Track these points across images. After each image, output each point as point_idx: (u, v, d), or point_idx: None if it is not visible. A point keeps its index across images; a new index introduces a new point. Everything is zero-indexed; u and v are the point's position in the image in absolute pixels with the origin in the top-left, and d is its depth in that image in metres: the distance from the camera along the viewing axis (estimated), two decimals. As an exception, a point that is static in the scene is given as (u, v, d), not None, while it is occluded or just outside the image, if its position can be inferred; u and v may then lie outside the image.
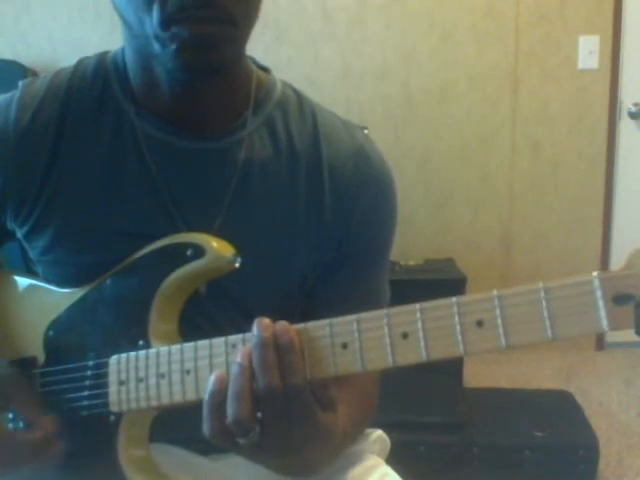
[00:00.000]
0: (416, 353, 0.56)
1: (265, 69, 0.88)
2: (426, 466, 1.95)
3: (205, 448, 0.86)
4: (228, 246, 0.71)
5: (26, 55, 3.00)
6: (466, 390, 2.38)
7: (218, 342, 0.65)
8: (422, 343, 0.56)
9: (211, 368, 0.65)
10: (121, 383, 0.72)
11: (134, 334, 0.73)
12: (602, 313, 0.50)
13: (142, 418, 0.73)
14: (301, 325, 0.61)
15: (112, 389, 0.73)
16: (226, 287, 0.79)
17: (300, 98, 0.87)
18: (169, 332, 0.73)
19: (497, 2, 2.94)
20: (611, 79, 2.98)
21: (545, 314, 0.52)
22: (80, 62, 0.85)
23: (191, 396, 0.66)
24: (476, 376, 2.57)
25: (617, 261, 3.05)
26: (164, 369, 0.69)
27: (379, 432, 0.96)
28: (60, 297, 0.81)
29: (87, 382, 0.75)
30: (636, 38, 2.96)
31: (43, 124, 0.80)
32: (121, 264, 0.77)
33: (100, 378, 0.74)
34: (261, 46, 2.88)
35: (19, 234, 0.84)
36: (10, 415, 0.76)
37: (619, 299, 0.49)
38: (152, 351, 0.70)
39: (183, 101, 0.79)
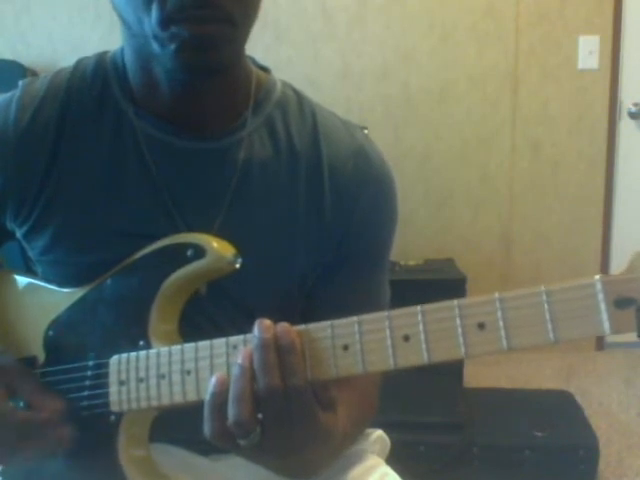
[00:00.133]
0: (417, 355, 0.56)
1: (265, 69, 0.88)
2: (426, 466, 1.95)
3: (205, 448, 0.86)
4: (229, 246, 0.71)
5: (26, 55, 3.00)
6: (466, 390, 2.38)
7: (219, 343, 0.65)
8: (423, 345, 0.56)
9: (212, 369, 0.65)
10: (121, 383, 0.72)
11: (134, 334, 0.73)
12: (604, 316, 0.50)
13: (142, 418, 0.73)
14: (302, 326, 0.61)
15: (112, 389, 0.73)
16: (226, 287, 0.79)
17: (300, 98, 0.87)
18: (169, 332, 0.73)
19: (497, 2, 2.94)
20: (611, 79, 2.98)
21: (547, 317, 0.52)
22: (79, 62, 0.85)
23: (192, 397, 0.66)
24: (476, 376, 2.57)
25: (617, 261, 3.05)
26: (164, 369, 0.69)
27: (379, 432, 0.96)
28: (60, 297, 0.81)
29: (87, 382, 0.75)
30: (636, 38, 2.96)
31: (43, 124, 0.80)
32: (121, 264, 0.77)
33: (100, 378, 0.74)
34: (261, 46, 2.88)
35: (19, 234, 0.84)
36: (12, 403, 0.76)
37: (621, 303, 0.49)
38: (152, 351, 0.70)
39: (183, 101, 0.79)
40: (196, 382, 0.66)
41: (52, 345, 0.80)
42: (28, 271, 0.89)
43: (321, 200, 0.82)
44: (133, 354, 0.72)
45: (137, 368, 0.71)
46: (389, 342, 0.57)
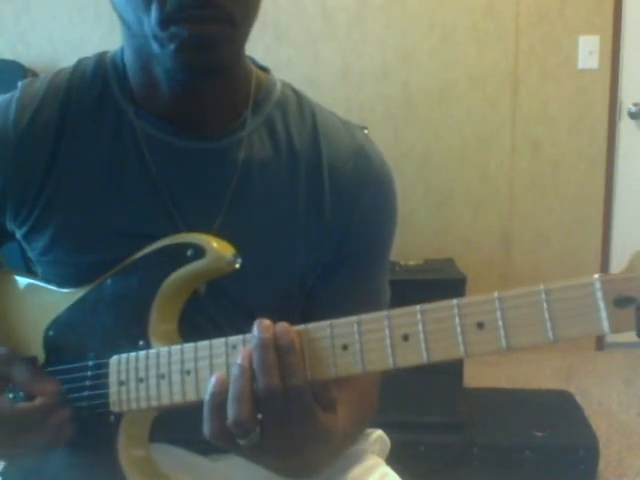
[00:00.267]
0: (417, 355, 0.56)
1: (265, 69, 0.88)
2: (426, 466, 1.95)
3: (205, 448, 0.86)
4: (228, 246, 0.71)
5: (26, 55, 3.00)
6: (466, 390, 2.38)
7: (218, 343, 0.65)
8: (423, 345, 0.56)
9: (211, 369, 0.65)
10: (121, 383, 0.72)
11: (134, 334, 0.73)
12: (603, 315, 0.50)
13: (142, 418, 0.73)
14: (302, 326, 0.61)
15: (112, 389, 0.73)
16: (226, 287, 0.79)
17: (300, 98, 0.87)
18: (169, 332, 0.73)
19: (497, 2, 2.94)
20: (611, 79, 2.98)
21: (546, 316, 0.52)
22: (79, 62, 0.85)
23: (191, 397, 0.66)
24: (476, 376, 2.57)
25: (617, 261, 3.05)
26: (164, 369, 0.69)
27: (379, 432, 0.96)
28: (60, 297, 0.81)
29: (87, 382, 0.75)
30: (636, 38, 2.96)
31: (43, 124, 0.80)
32: (121, 264, 0.77)
33: (100, 378, 0.74)
34: (261, 46, 2.88)
35: (19, 234, 0.84)
36: (10, 395, 0.76)
37: (620, 302, 0.49)
38: (152, 351, 0.70)
39: (182, 101, 0.79)
40: (196, 382, 0.66)
41: (52, 345, 0.80)
42: (28, 271, 0.89)
43: (321, 200, 0.82)
44: (133, 354, 0.72)
45: (137, 368, 0.71)
46: (388, 342, 0.57)
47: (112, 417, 0.73)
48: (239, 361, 0.60)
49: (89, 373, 0.75)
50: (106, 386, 0.73)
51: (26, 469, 0.84)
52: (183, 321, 0.75)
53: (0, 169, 0.81)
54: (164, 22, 0.69)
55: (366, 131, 0.95)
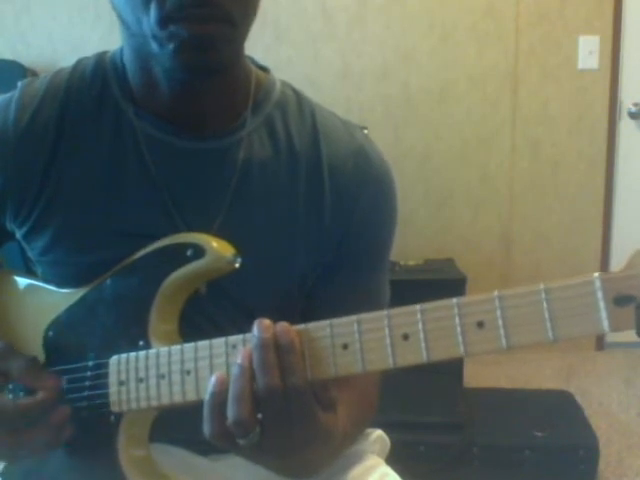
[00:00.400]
0: (417, 354, 0.56)
1: (264, 69, 0.88)
2: (426, 466, 1.95)
3: (205, 448, 0.86)
4: (228, 246, 0.71)
5: (26, 55, 3.00)
6: (466, 390, 2.38)
7: (218, 342, 0.65)
8: (423, 344, 0.56)
9: (211, 369, 0.65)
10: (121, 383, 0.72)
11: (134, 334, 0.73)
12: (603, 314, 0.50)
13: (142, 418, 0.73)
14: (302, 326, 0.61)
15: (112, 389, 0.73)
16: (226, 287, 0.79)
17: (299, 98, 0.87)
18: (169, 332, 0.73)
19: (497, 2, 2.94)
20: (611, 79, 2.98)
21: (546, 315, 0.52)
22: (79, 62, 0.85)
23: (191, 396, 0.66)
24: (476, 376, 2.57)
25: (617, 261, 3.05)
26: (164, 369, 0.69)
27: (379, 432, 0.96)
28: (60, 297, 0.81)
29: (87, 382, 0.75)
30: (636, 38, 2.96)
31: (42, 124, 0.80)
32: (121, 264, 0.77)
33: (100, 378, 0.74)
34: (261, 46, 2.88)
35: (18, 234, 0.84)
36: (10, 396, 0.76)
37: (620, 300, 0.49)
38: (152, 351, 0.70)
39: (182, 101, 0.79)
40: (196, 382, 0.66)
41: (52, 345, 0.80)
42: (28, 271, 0.89)
43: (321, 200, 0.82)
44: (133, 354, 0.72)
45: (137, 368, 0.71)
46: (388, 341, 0.57)
47: (112, 417, 0.73)
48: (239, 361, 0.60)
49: (89, 373, 0.75)
50: (106, 386, 0.73)
51: (26, 469, 0.84)
52: (183, 321, 0.74)
53: (0, 169, 0.81)
54: (163, 21, 0.69)
55: (366, 131, 0.95)
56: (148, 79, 0.79)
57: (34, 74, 2.85)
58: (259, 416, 0.60)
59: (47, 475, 0.79)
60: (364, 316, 0.59)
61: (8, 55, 2.97)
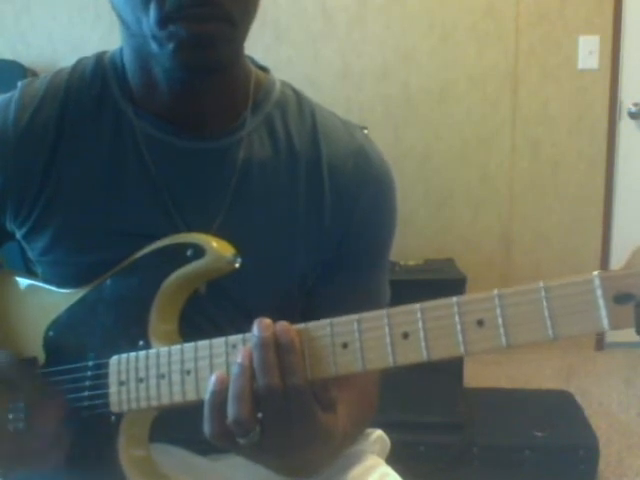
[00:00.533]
0: (417, 353, 0.56)
1: (264, 69, 0.88)
2: (426, 466, 1.95)
3: (205, 448, 0.86)
4: (228, 246, 0.71)
5: (26, 55, 3.00)
6: (466, 390, 2.38)
7: (218, 342, 0.65)
8: (423, 343, 0.56)
9: (211, 368, 0.65)
10: (121, 383, 0.72)
11: (134, 334, 0.73)
12: (603, 312, 0.50)
13: (142, 418, 0.73)
14: (302, 325, 0.61)
15: (112, 389, 0.73)
16: (226, 287, 0.79)
17: (299, 98, 0.87)
18: (169, 332, 0.73)
19: (497, 2, 2.94)
20: (611, 79, 2.98)
21: (546, 313, 0.52)
22: (79, 62, 0.85)
23: (191, 396, 0.66)
24: (476, 376, 2.57)
25: (617, 261, 3.05)
26: (164, 369, 0.69)
27: (379, 432, 0.96)
28: (60, 297, 0.81)
29: (87, 382, 0.75)
30: (636, 38, 2.96)
31: (42, 124, 0.80)
32: (121, 264, 0.77)
33: (100, 378, 0.74)
34: (261, 46, 2.88)
35: (18, 235, 0.84)
36: (11, 415, 0.76)
37: (620, 298, 0.49)
38: (152, 351, 0.70)
39: (182, 101, 0.79)
40: (196, 382, 0.66)
41: (52, 346, 0.80)
42: (28, 272, 0.89)
43: (321, 200, 0.82)
44: (133, 354, 0.72)
45: (137, 368, 0.71)
46: (388, 340, 0.57)
47: (112, 417, 0.73)
48: (239, 360, 0.60)
49: (89, 373, 0.75)
50: (106, 386, 0.73)
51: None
52: (183, 321, 0.74)
53: (0, 169, 0.81)
54: (163, 21, 0.69)
55: (366, 131, 0.95)
56: (148, 79, 0.79)
57: (34, 74, 2.85)
58: (259, 415, 0.60)
59: (47, 475, 0.79)
60: (364, 315, 0.59)
61: (8, 55, 2.98)
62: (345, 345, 0.59)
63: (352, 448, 0.87)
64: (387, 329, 0.57)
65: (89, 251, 0.80)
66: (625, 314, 0.49)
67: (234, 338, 0.64)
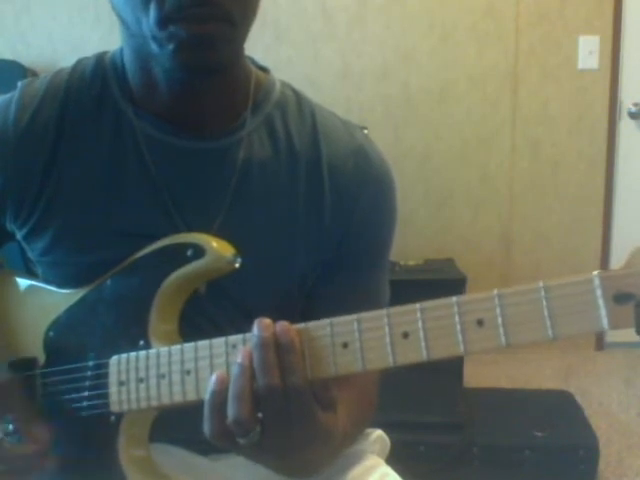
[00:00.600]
0: (417, 352, 0.56)
1: (264, 69, 0.88)
2: (426, 466, 1.95)
3: (205, 448, 0.86)
4: (228, 246, 0.71)
5: (26, 55, 3.00)
6: (466, 390, 2.38)
7: (218, 342, 0.65)
8: (422, 342, 0.56)
9: (211, 368, 0.65)
10: (121, 383, 0.72)
11: (134, 334, 0.73)
12: (602, 312, 0.50)
13: (142, 418, 0.73)
14: (302, 325, 0.61)
15: (112, 389, 0.73)
16: (226, 287, 0.79)
17: (299, 98, 0.87)
18: (169, 332, 0.73)
19: (497, 2, 2.94)
20: (611, 79, 2.98)
21: (545, 313, 0.52)
22: (79, 62, 0.85)
23: (191, 396, 0.66)
24: (476, 376, 2.57)
25: (617, 261, 3.05)
26: (164, 369, 0.69)
27: (379, 432, 0.96)
28: (60, 298, 0.81)
29: (87, 383, 0.75)
30: (636, 38, 2.96)
31: (42, 124, 0.80)
32: (121, 264, 0.77)
33: (100, 378, 0.74)
34: (261, 46, 2.88)
35: (19, 235, 0.84)
36: (3, 428, 0.76)
37: (619, 298, 0.49)
38: (152, 351, 0.70)
39: (182, 101, 0.79)
40: (196, 382, 0.66)
41: (52, 346, 0.80)
42: (28, 272, 0.89)
43: (321, 200, 0.82)
44: (133, 354, 0.72)
45: (137, 368, 0.71)
46: (388, 339, 0.57)
47: (112, 417, 0.73)
48: (239, 360, 0.60)
49: (89, 373, 0.75)
50: (106, 386, 0.73)
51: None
52: (183, 321, 0.74)
53: (0, 169, 0.81)
54: (163, 22, 0.69)
55: (366, 131, 0.95)
56: (148, 79, 0.79)
57: (34, 74, 2.85)
58: (259, 415, 0.60)
59: (47, 475, 0.79)
60: (364, 315, 0.59)
61: (8, 55, 2.97)
62: (345, 345, 0.59)
63: (352, 448, 0.87)
64: (387, 329, 0.57)
65: (89, 251, 0.80)
66: (625, 314, 0.49)
67: (234, 338, 0.64)
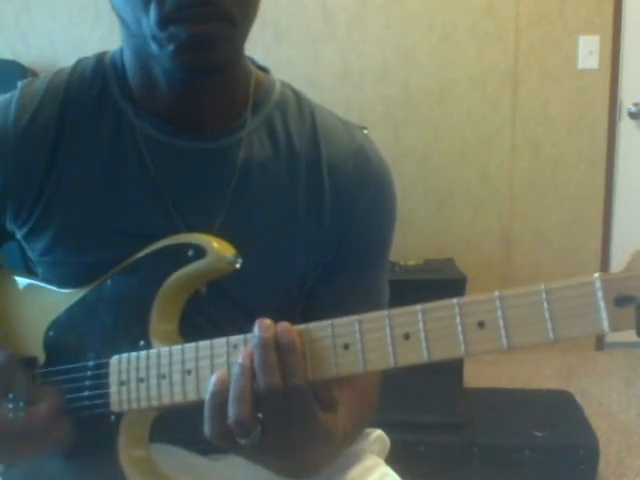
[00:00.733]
0: (418, 354, 0.56)
1: (264, 69, 0.88)
2: (426, 466, 1.95)
3: (205, 448, 0.86)
4: (229, 247, 0.71)
5: (26, 55, 3.00)
6: (466, 390, 2.38)
7: (219, 342, 0.65)
8: (423, 344, 0.56)
9: (212, 369, 0.65)
10: (122, 383, 0.72)
11: (135, 334, 0.73)
12: (603, 314, 0.50)
13: (142, 418, 0.73)
14: (303, 326, 0.61)
15: (113, 389, 0.73)
16: (226, 288, 0.79)
17: (299, 98, 0.87)
18: (170, 332, 0.73)
19: (497, 2, 2.94)
20: (611, 79, 2.98)
21: (546, 315, 0.52)
22: (79, 62, 0.85)
23: (192, 396, 0.66)
24: (476, 376, 2.57)
25: (617, 261, 3.05)
26: (165, 369, 0.69)
27: (379, 432, 0.96)
28: (60, 297, 0.81)
29: (87, 382, 0.75)
30: (636, 38, 2.96)
31: (42, 124, 0.80)
32: (122, 264, 0.77)
33: (101, 378, 0.74)
34: (261, 46, 2.88)
35: (19, 235, 0.84)
36: (10, 405, 0.76)
37: (620, 301, 0.49)
38: (153, 351, 0.70)
39: (182, 101, 0.79)
40: (196, 382, 0.66)
41: (52, 345, 0.80)
42: (28, 271, 0.89)
43: (321, 200, 0.82)
44: (133, 354, 0.72)
45: (137, 368, 0.71)
46: (389, 341, 0.57)
47: (112, 417, 0.73)
48: (240, 360, 0.60)
49: (89, 373, 0.75)
50: (106, 386, 0.73)
51: (26, 470, 0.84)
52: (183, 322, 0.74)
53: (0, 169, 0.81)
54: (163, 22, 0.69)
55: (366, 131, 0.95)
56: (148, 79, 0.79)
57: (34, 74, 2.85)
58: (260, 416, 0.60)
59: (47, 476, 0.79)
60: (365, 316, 0.59)
61: (8, 55, 2.98)
62: (346, 346, 0.59)
63: (352, 448, 0.87)
64: (388, 330, 0.57)
65: (89, 251, 0.80)
66: (626, 316, 0.49)
67: (235, 338, 0.64)
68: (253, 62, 0.87)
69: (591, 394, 2.64)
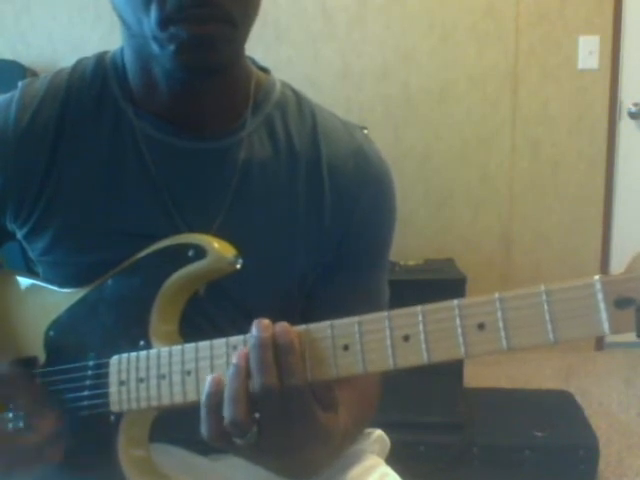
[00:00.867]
0: (417, 355, 0.56)
1: (264, 70, 0.88)
2: (426, 466, 1.95)
3: (205, 448, 0.85)
4: (229, 247, 0.71)
5: (26, 55, 3.00)
6: (466, 390, 2.38)
7: (219, 343, 0.65)
8: (423, 345, 0.56)
9: (212, 369, 0.65)
10: (121, 383, 0.72)
11: (135, 334, 0.73)
12: (603, 316, 0.50)
13: (142, 418, 0.73)
14: (302, 327, 0.61)
15: (112, 389, 0.73)
16: (226, 288, 0.79)
17: (299, 98, 0.87)
18: (170, 333, 0.73)
19: (497, 2, 2.94)
20: (611, 79, 2.98)
21: (547, 317, 0.52)
22: (79, 62, 0.85)
23: (192, 397, 0.66)
24: (476, 376, 2.57)
25: (617, 261, 3.05)
26: (165, 370, 0.69)
27: (379, 432, 0.96)
28: (61, 297, 0.81)
29: (87, 382, 0.75)
30: (636, 38, 2.96)
31: (43, 124, 0.80)
32: (122, 264, 0.77)
33: (100, 378, 0.74)
34: (261, 46, 2.88)
35: (19, 235, 0.84)
36: (10, 415, 0.76)
37: (620, 303, 0.49)
38: (153, 352, 0.70)
39: (182, 101, 0.79)
40: (196, 382, 0.66)
41: (53, 345, 0.80)
42: (29, 271, 0.89)
43: (321, 200, 0.82)
44: (133, 354, 0.72)
45: (137, 368, 0.71)
46: (389, 342, 0.57)
47: (112, 417, 0.73)
48: (234, 361, 0.60)
49: (89, 373, 0.75)
50: (106, 386, 0.73)
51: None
52: (184, 322, 0.75)
53: (0, 169, 0.81)
54: (163, 22, 0.69)
55: (366, 131, 0.95)
56: (148, 79, 0.79)
57: (34, 74, 2.85)
58: (257, 416, 0.60)
59: (47, 475, 0.79)
60: (365, 317, 0.59)
61: (8, 55, 2.98)
62: (346, 347, 0.59)
63: (352, 448, 0.87)
64: (388, 331, 0.57)
65: (89, 251, 0.80)
66: (626, 318, 0.49)
67: (235, 339, 0.64)
68: (253, 62, 0.88)
69: (591, 394, 2.64)
